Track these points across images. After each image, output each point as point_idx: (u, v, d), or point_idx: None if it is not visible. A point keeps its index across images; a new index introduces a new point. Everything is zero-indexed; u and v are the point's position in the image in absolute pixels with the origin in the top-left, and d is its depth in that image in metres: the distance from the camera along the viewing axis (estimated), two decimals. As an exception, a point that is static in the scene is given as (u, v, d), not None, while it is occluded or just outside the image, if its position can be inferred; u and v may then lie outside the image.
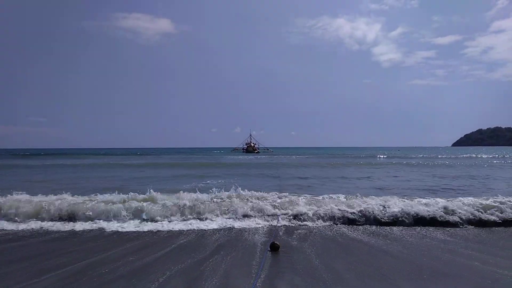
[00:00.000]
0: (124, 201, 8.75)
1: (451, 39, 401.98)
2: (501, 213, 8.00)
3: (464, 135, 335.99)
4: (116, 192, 9.56)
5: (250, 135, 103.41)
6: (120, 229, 7.38)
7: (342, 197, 9.57)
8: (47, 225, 7.78)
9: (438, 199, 8.92)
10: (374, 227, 7.66)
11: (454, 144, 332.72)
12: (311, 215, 8.12)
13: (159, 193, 9.35)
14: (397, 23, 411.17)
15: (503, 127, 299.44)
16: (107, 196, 9.33)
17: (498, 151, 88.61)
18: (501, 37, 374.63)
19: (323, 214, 8.13)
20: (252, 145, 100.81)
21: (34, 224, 7.80)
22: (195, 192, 9.50)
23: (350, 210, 8.22)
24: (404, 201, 8.87)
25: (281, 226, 7.65)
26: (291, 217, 8.15)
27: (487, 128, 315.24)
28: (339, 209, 8.25)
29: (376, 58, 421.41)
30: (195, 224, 7.70)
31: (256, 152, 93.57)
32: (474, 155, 56.26)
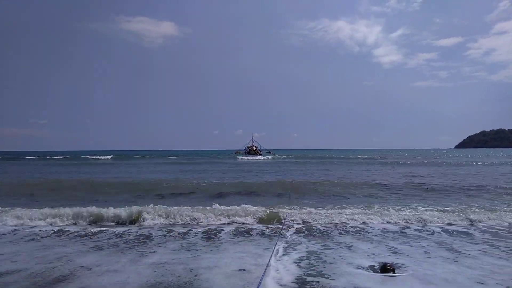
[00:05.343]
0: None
1: (453, 41, 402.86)
2: None
3: (467, 137, 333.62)
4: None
5: (252, 137, 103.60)
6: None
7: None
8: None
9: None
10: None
11: (457, 146, 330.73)
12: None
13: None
14: (398, 25, 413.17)
15: (506, 129, 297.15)
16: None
17: (502, 153, 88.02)
18: (503, 39, 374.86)
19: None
20: (254, 148, 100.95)
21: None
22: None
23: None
24: None
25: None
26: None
27: (490, 130, 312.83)
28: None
29: (377, 60, 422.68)
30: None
31: (259, 155, 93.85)
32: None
